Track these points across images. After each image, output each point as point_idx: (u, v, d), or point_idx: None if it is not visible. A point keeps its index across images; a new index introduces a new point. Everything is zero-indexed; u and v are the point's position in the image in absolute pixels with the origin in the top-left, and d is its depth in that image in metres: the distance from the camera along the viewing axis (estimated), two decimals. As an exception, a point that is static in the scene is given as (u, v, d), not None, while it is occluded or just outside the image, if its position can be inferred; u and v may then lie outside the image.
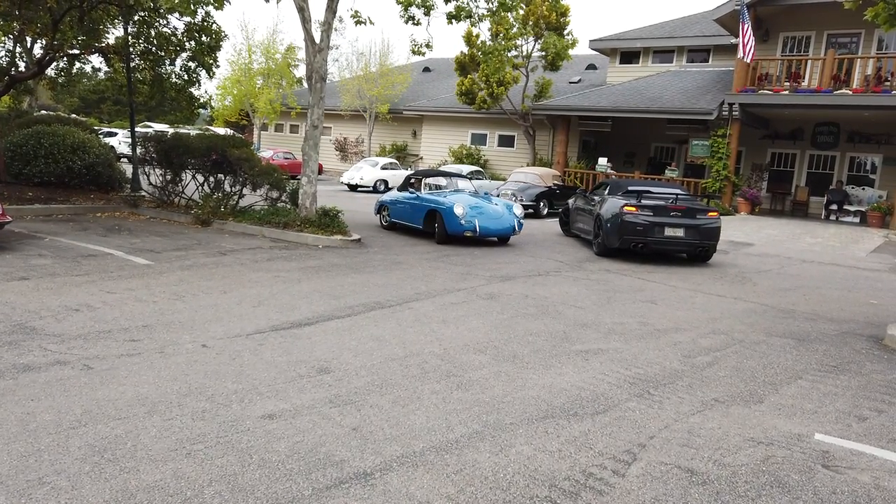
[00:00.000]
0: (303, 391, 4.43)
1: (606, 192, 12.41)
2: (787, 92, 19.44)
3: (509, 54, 24.40)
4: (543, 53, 24.89)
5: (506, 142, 28.02)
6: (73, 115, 26.76)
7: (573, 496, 3.26)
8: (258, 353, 5.15)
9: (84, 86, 40.90)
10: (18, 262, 7.85)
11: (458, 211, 11.56)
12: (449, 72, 31.42)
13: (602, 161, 22.87)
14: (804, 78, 20.13)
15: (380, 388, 4.60)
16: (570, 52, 24.81)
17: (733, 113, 20.10)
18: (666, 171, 22.67)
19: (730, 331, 6.80)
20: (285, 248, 10.28)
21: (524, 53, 25.24)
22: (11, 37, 13.97)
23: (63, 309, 5.99)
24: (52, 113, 21.87)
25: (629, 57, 26.81)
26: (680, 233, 11.00)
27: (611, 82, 26.27)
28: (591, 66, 31.16)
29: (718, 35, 23.49)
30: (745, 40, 18.75)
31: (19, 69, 13.37)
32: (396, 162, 27.04)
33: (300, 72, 37.46)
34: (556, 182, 19.35)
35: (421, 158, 30.60)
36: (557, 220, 15.89)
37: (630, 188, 11.98)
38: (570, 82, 29.14)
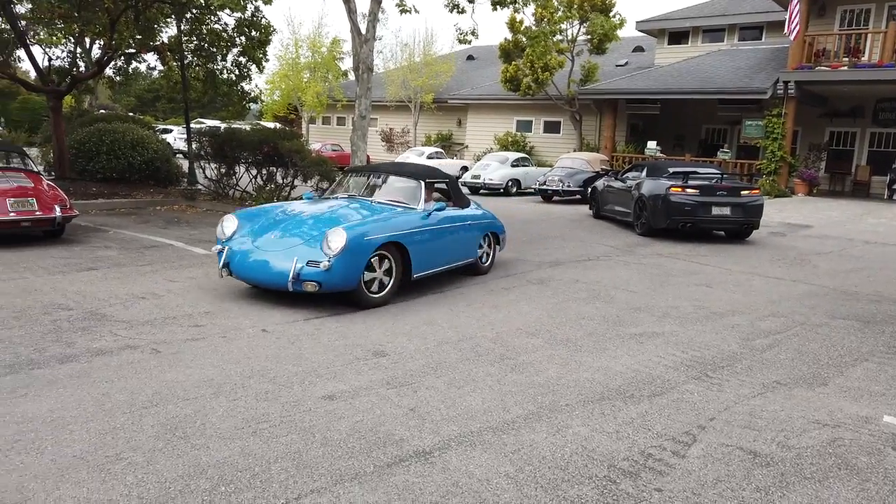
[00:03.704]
0: (360, 373, 4.53)
1: (644, 173, 12.32)
2: (845, 68, 18.64)
3: (554, 39, 24.10)
4: (589, 37, 24.49)
5: (551, 128, 27.73)
6: (130, 114, 27.72)
7: (633, 476, 3.25)
8: (316, 338, 5.28)
9: (139, 85, 42.25)
10: (87, 253, 8.21)
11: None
12: (493, 59, 31.22)
13: (651, 144, 22.41)
14: (864, 52, 19.26)
15: (434, 370, 4.65)
16: (617, 33, 24.33)
17: (789, 91, 19.39)
18: (718, 153, 22.07)
19: (790, 313, 6.62)
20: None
21: (569, 37, 24.88)
22: (72, 39, 14.53)
23: (130, 297, 6.25)
24: (111, 111, 22.71)
25: (678, 37, 26.13)
26: (726, 211, 11.06)
27: (659, 64, 25.67)
28: (638, 49, 30.50)
29: (771, 11, 22.66)
30: (793, 15, 18.05)
31: (80, 70, 13.90)
32: (442, 151, 27.11)
33: (345, 64, 37.85)
34: (604, 167, 19.08)
35: (466, 147, 30.57)
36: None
37: (672, 169, 11.92)
38: (617, 65, 28.58)
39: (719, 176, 11.76)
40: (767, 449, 3.59)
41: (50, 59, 14.06)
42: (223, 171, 13.48)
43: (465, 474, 3.21)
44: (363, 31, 12.12)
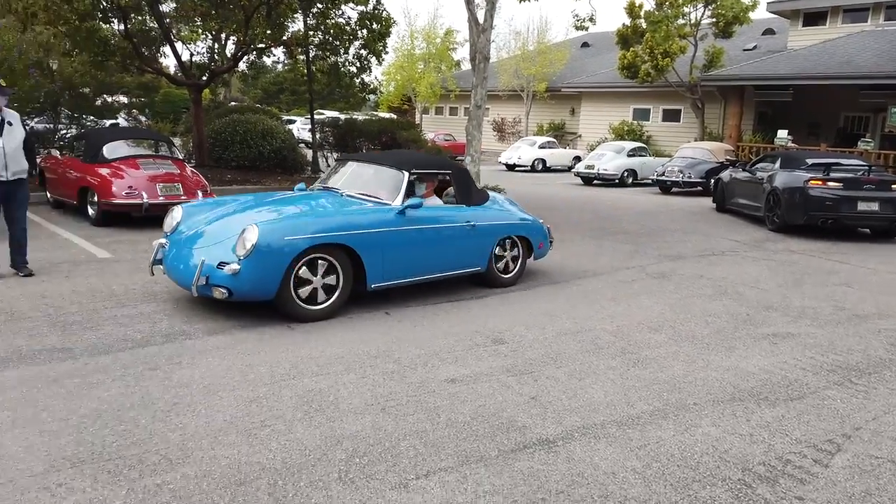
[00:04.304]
0: (480, 359, 4.60)
1: (777, 164, 11.52)
2: None
3: (676, 23, 23.04)
4: (714, 20, 23.21)
5: (671, 116, 26.61)
6: (258, 105, 29.43)
7: (770, 482, 3.10)
8: (435, 323, 5.41)
9: (265, 78, 44.71)
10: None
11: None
12: (609, 46, 30.34)
13: (782, 133, 20.95)
14: None
15: (554, 360, 4.64)
16: (747, 15, 22.88)
17: (947, 74, 17.48)
18: (859, 143, 20.28)
19: (947, 320, 6.02)
20: (451, 226, 10.60)
21: (692, 21, 23.70)
22: (210, 35, 15.61)
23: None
24: (241, 103, 24.24)
25: (814, 18, 24.18)
26: (874, 207, 10.11)
27: (792, 47, 23.89)
28: (769, 31, 28.54)
29: (929, -15, 20.45)
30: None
31: (218, 64, 14.93)
32: (554, 141, 26.76)
33: (457, 55, 38.15)
34: (728, 157, 18.08)
35: (579, 136, 29.98)
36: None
37: (810, 160, 11.05)
38: (745, 50, 26.90)
39: (866, 168, 10.80)
40: (924, 464, 3.31)
41: (191, 55, 15.23)
42: (343, 159, 14.03)
43: (590, 466, 3.19)
44: (481, 20, 12.16)
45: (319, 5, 13.94)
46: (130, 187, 8.67)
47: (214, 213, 5.76)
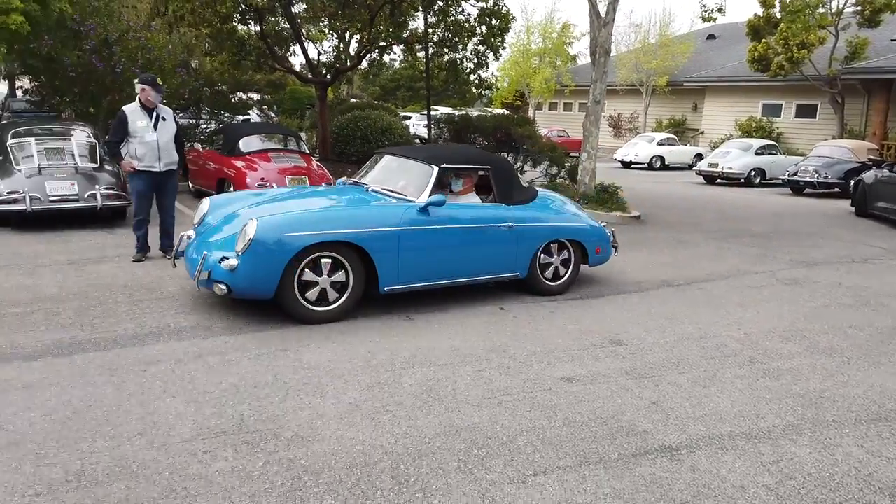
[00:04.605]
0: (597, 360, 4.52)
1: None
2: None
3: (817, 12, 21.37)
4: (859, 8, 21.31)
5: (805, 112, 24.74)
6: (375, 102, 30.39)
7: (923, 511, 2.84)
8: (551, 320, 5.37)
9: (384, 75, 46.05)
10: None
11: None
12: (737, 38, 28.64)
13: (936, 131, 18.95)
14: None
15: (676, 366, 4.48)
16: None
17: None
18: None
19: None
20: (565, 223, 10.46)
21: (833, 10, 21.88)
22: (336, 35, 16.30)
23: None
24: (360, 100, 25.14)
25: (983, 2, 21.58)
26: None
27: (954, 35, 21.50)
28: (925, 18, 25.79)
29: None
30: None
31: (342, 63, 15.57)
32: (674, 137, 25.71)
33: (573, 49, 37.46)
34: (871, 157, 16.57)
35: (702, 133, 28.57)
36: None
37: None
38: (892, 40, 24.51)
39: None
40: None
41: (318, 54, 16.01)
42: (458, 155, 14.20)
43: (717, 477, 3.06)
44: (602, 13, 11.87)
45: (440, 3, 14.16)
46: (263, 179, 9.23)
47: (237, 205, 5.56)
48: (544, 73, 33.90)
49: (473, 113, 16.65)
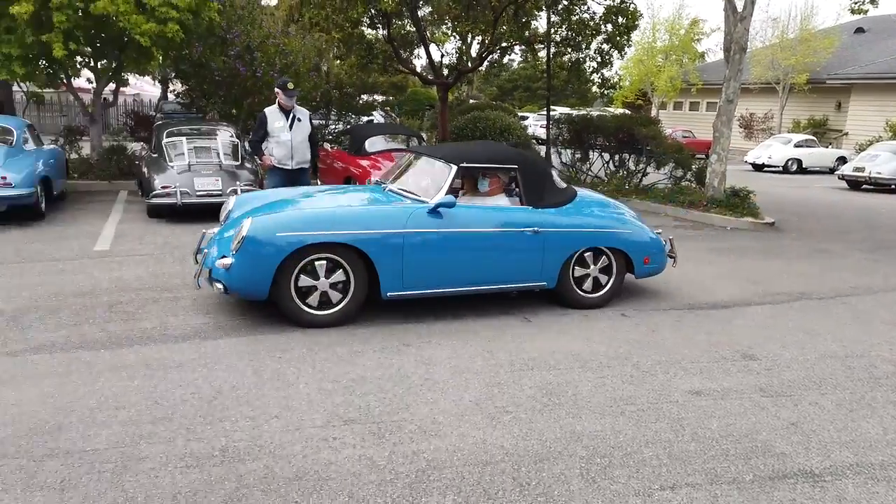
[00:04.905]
0: (728, 374, 4.28)
1: None
2: None
3: None
4: None
5: (973, 111, 22.13)
6: (493, 102, 30.51)
7: None
8: (677, 329, 5.15)
9: (502, 76, 46.14)
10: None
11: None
12: (889, 31, 26.12)
13: None
14: None
15: (817, 385, 4.15)
16: None
17: None
18: None
19: None
20: (691, 228, 10.01)
21: None
22: (458, 36, 16.53)
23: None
24: (478, 101, 25.35)
25: None
26: None
27: None
28: None
29: None
30: None
31: (464, 64, 15.78)
32: (814, 139, 23.85)
33: (702, 46, 35.68)
34: None
35: (846, 134, 26.31)
36: None
37: None
38: None
39: None
40: None
41: (442, 55, 16.31)
42: (578, 156, 13.96)
43: (867, 510, 2.81)
44: (739, 8, 11.21)
45: (565, 1, 13.98)
46: (385, 178, 9.54)
47: (256, 203, 5.48)
48: (670, 72, 32.54)
49: (594, 113, 16.31)
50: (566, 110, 25.34)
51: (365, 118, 17.37)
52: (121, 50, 10.48)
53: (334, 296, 4.76)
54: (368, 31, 14.90)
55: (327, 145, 11.83)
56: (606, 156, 13.58)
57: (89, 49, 10.61)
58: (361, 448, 3.14)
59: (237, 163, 9.04)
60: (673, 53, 34.31)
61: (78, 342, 4.32)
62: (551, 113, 15.89)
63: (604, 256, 5.57)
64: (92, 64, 11.11)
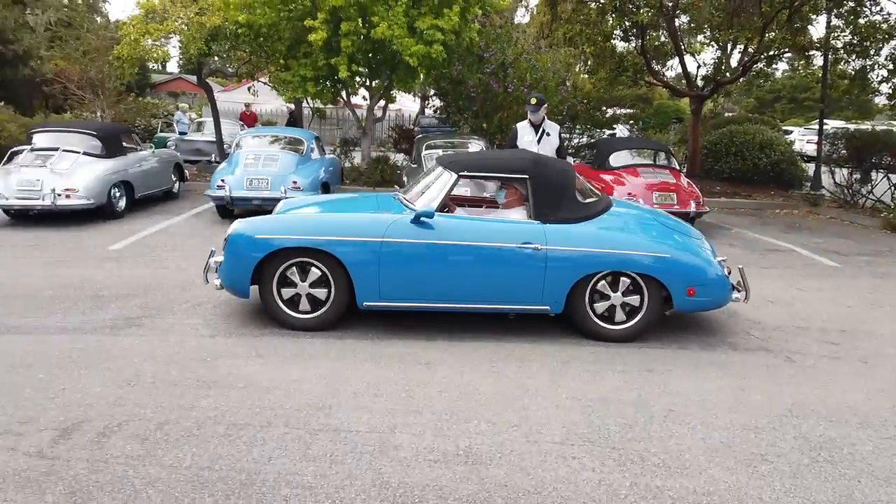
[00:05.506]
0: None
1: None
2: None
3: None
4: None
5: None
6: (750, 115, 27.91)
7: None
8: None
9: (763, 86, 42.13)
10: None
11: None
12: None
13: None
14: None
15: None
16: None
17: None
18: None
19: None
20: None
21: None
22: (717, 45, 15.44)
23: (759, 300, 6.21)
24: (733, 113, 23.38)
25: None
26: None
27: None
28: None
29: None
30: None
31: (722, 74, 14.69)
32: None
33: None
34: None
35: None
36: None
37: None
38: None
39: None
40: None
41: (698, 66, 15.35)
42: (856, 177, 12.17)
43: None
44: None
45: (851, 3, 12.29)
46: (630, 194, 9.22)
47: (289, 205, 5.69)
48: None
49: (879, 128, 14.09)
50: (840, 123, 22.32)
51: (608, 132, 17.08)
52: (392, 70, 11.62)
53: (305, 303, 4.83)
54: (620, 44, 14.60)
55: (571, 159, 11.85)
56: (895, 178, 11.66)
57: (366, 70, 11.94)
58: (601, 473, 3.06)
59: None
60: None
61: (356, 333, 4.84)
62: (823, 127, 14.09)
63: (634, 283, 4.80)
64: (368, 83, 12.50)
